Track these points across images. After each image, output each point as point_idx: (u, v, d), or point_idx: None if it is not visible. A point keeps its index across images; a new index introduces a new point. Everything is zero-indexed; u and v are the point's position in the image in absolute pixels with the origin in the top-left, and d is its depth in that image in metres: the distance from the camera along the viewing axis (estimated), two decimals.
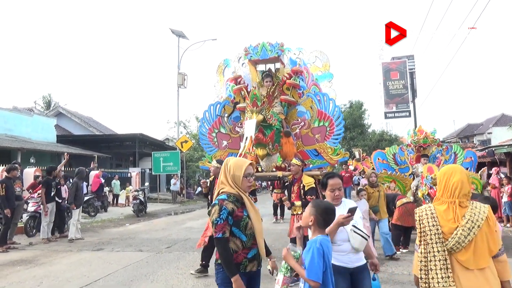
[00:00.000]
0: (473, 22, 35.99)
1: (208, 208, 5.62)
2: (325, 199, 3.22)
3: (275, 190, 12.77)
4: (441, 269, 2.38)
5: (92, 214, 14.74)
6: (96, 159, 21.14)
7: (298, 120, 6.88)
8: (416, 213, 2.59)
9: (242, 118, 7.14)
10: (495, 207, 4.10)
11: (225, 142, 7.33)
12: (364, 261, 3.09)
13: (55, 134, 23.51)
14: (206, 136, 7.45)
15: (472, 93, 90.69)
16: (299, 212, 6.90)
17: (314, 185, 6.03)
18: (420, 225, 2.51)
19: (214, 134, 7.40)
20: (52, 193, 9.63)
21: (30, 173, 12.91)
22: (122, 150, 26.29)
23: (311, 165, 6.70)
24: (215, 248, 2.94)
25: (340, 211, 3.01)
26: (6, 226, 8.65)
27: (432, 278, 2.40)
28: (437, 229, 2.43)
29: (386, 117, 35.98)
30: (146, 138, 24.83)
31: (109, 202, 18.54)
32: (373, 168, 9.95)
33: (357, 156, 22.69)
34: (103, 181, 17.28)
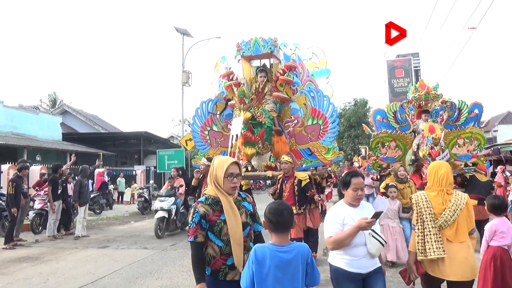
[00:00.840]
0: (479, 19, 35.71)
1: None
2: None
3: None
4: (435, 241, 3.06)
5: (98, 211, 14.83)
6: (101, 157, 21.21)
7: (291, 117, 6.65)
8: (412, 198, 3.29)
9: (234, 116, 6.96)
10: (504, 207, 4.10)
11: (217, 140, 7.20)
12: (379, 264, 2.93)
13: (60, 132, 23.66)
14: (198, 134, 7.29)
15: (477, 91, 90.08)
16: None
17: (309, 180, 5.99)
18: (416, 207, 3.21)
19: (206, 132, 7.24)
20: (59, 191, 9.71)
21: (36, 171, 13.01)
22: (127, 148, 26.42)
23: (304, 165, 6.50)
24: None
25: (358, 214, 2.88)
26: (12, 224, 8.72)
27: (429, 248, 3.05)
28: (431, 210, 3.14)
29: None
30: (151, 136, 24.92)
31: (114, 199, 18.65)
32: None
33: (363, 154, 22.57)
34: (106, 179, 17.39)
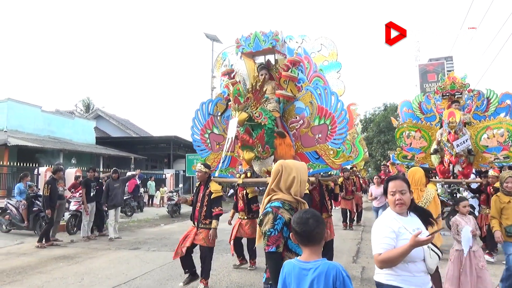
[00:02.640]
0: None
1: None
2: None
3: (346, 196, 11.94)
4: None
5: (129, 214, 15.20)
6: (132, 160, 21.78)
7: (296, 118, 6.04)
8: None
9: (231, 117, 6.27)
10: None
11: (219, 144, 6.62)
12: (431, 284, 2.67)
13: (94, 136, 24.44)
14: (198, 137, 6.74)
15: None
16: (244, 218, 6.80)
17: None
18: None
19: (206, 135, 6.69)
20: (92, 194, 10.02)
21: (71, 173, 13.47)
22: (157, 152, 26.97)
23: (311, 170, 5.93)
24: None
25: (409, 223, 2.58)
26: (50, 225, 9.08)
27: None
28: None
29: None
30: (180, 140, 25.33)
31: (144, 202, 19.05)
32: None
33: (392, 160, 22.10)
34: (138, 182, 17.78)
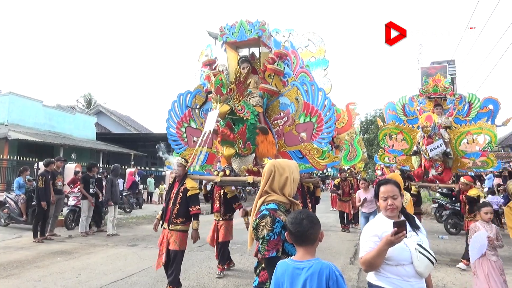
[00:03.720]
0: None
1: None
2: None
3: (342, 198, 11.75)
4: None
5: (128, 210, 15.19)
6: (132, 157, 21.78)
7: (280, 114, 5.71)
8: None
9: (212, 109, 5.80)
10: None
11: (195, 139, 6.09)
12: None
13: (95, 131, 24.45)
14: (174, 131, 6.31)
15: None
16: (220, 219, 6.35)
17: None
18: None
19: (183, 129, 6.26)
20: (90, 190, 10.02)
21: (71, 169, 13.49)
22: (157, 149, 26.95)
23: None
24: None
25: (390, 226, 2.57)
26: (39, 217, 8.97)
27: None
28: None
29: None
30: None
31: (143, 199, 19.04)
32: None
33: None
34: (137, 179, 17.79)
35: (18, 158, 15.34)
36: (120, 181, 14.18)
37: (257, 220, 2.35)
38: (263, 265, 2.41)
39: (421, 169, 8.47)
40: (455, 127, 8.42)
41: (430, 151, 7.90)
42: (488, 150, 8.14)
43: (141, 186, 18.63)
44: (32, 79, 75.22)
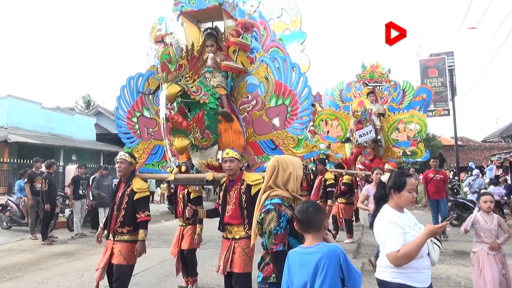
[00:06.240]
0: None
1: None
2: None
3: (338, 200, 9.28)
4: None
5: None
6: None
7: (248, 97, 4.77)
8: None
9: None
10: None
11: (150, 130, 5.24)
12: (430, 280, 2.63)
13: (94, 132, 24.41)
14: (124, 121, 5.38)
15: None
16: (183, 225, 5.42)
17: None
18: None
19: (135, 119, 5.30)
20: (81, 191, 9.93)
21: (71, 170, 13.49)
22: None
23: (265, 163, 4.52)
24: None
25: (404, 219, 2.58)
26: (46, 220, 9.00)
27: None
28: None
29: None
30: None
31: None
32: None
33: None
34: None
35: (19, 161, 15.33)
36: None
37: (262, 215, 2.38)
38: (266, 260, 2.42)
39: (352, 156, 8.36)
40: (388, 115, 8.35)
41: (359, 137, 7.78)
42: (418, 139, 8.05)
43: None
44: (30, 81, 75.23)
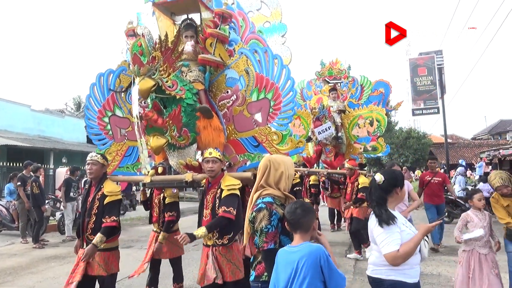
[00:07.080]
0: (505, 14, 34.71)
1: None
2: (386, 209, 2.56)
3: (332, 194, 9.54)
4: None
5: (121, 212, 15.11)
6: None
7: (228, 92, 4.53)
8: None
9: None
10: None
11: (123, 131, 4.90)
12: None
13: (85, 134, 24.21)
14: (95, 122, 5.00)
15: (504, 88, 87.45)
16: (158, 231, 4.99)
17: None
18: None
19: (106, 119, 4.92)
20: (71, 193, 9.89)
21: (62, 173, 13.38)
22: None
23: (248, 162, 4.44)
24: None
25: (398, 217, 2.59)
26: (41, 223, 8.98)
27: None
28: None
29: (413, 114, 35.13)
30: None
31: (137, 200, 18.92)
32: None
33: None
34: None
35: (8, 164, 15.16)
36: None
37: (254, 213, 2.41)
38: (259, 259, 2.44)
39: (314, 155, 8.35)
40: (348, 111, 8.38)
41: (319, 134, 7.75)
42: (378, 134, 8.07)
43: (134, 188, 18.53)
44: (19, 84, 74.39)
